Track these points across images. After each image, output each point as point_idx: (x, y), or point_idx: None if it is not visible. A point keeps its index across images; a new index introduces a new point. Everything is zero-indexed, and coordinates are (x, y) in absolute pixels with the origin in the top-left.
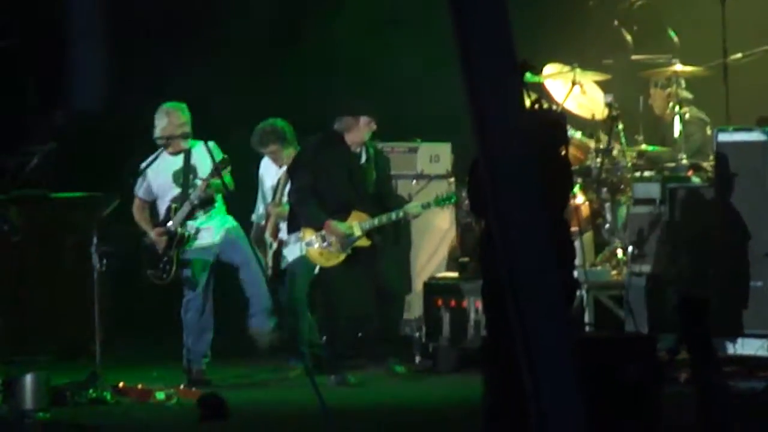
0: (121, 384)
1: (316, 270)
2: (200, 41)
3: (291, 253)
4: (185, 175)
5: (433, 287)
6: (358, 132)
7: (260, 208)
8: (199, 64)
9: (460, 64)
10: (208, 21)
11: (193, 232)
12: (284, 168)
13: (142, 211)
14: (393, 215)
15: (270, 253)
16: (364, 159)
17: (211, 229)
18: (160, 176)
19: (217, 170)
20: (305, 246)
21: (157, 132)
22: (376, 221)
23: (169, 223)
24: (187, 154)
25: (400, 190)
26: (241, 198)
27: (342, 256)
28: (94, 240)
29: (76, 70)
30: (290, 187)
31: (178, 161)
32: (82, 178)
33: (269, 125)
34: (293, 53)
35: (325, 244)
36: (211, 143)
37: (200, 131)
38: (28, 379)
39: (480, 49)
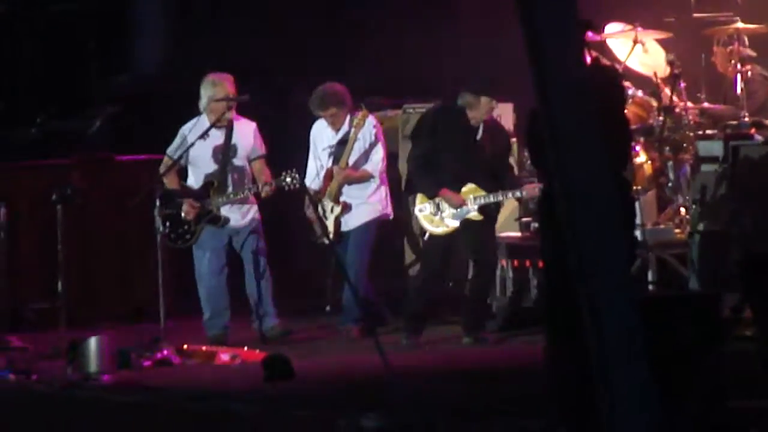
0: (185, 346)
1: (426, 235)
2: (260, 4)
3: (358, 218)
4: (225, 152)
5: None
6: (478, 110)
7: (313, 171)
8: (258, 27)
9: (521, 22)
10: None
11: (225, 214)
12: (343, 131)
13: (173, 173)
14: (509, 194)
15: (331, 217)
16: (480, 134)
17: (240, 213)
18: (199, 146)
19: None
20: (417, 211)
21: (203, 102)
22: (491, 197)
23: (207, 202)
24: (230, 128)
25: None
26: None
27: (453, 226)
28: (157, 203)
29: (136, 33)
30: (409, 153)
31: (220, 135)
32: (145, 141)
33: (330, 88)
34: (368, 14)
35: (437, 212)
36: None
37: (259, 94)
38: (93, 341)
39: (542, 8)
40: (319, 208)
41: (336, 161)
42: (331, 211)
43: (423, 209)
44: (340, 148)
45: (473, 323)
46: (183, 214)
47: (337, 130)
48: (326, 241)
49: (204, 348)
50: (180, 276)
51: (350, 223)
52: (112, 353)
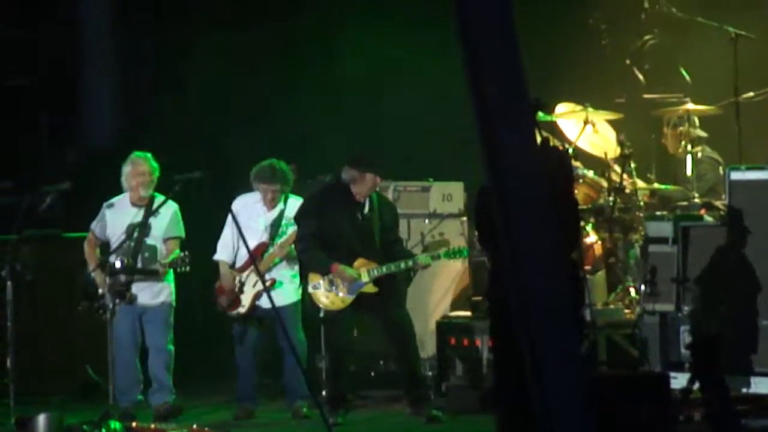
0: (134, 423)
1: (321, 313)
2: (206, 82)
3: (288, 297)
4: (140, 230)
5: (446, 326)
6: (363, 186)
7: (229, 245)
8: (208, 105)
9: (472, 103)
10: (220, 56)
11: (137, 294)
12: (278, 208)
13: (93, 247)
14: (402, 264)
15: (252, 291)
16: (367, 209)
17: (151, 292)
18: (116, 222)
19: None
20: (311, 289)
21: (122, 179)
22: (384, 269)
23: (118, 278)
24: (149, 207)
25: (412, 229)
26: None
27: (348, 300)
28: (107, 280)
29: (87, 108)
30: (297, 234)
31: (137, 214)
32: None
33: (277, 164)
34: (300, 92)
35: (331, 287)
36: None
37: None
38: (42, 418)
39: (493, 89)
40: (236, 281)
41: (272, 238)
42: (254, 285)
43: (317, 286)
44: (275, 225)
45: (416, 398)
46: (98, 289)
47: (272, 207)
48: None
49: (153, 426)
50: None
51: (278, 300)
52: (60, 430)
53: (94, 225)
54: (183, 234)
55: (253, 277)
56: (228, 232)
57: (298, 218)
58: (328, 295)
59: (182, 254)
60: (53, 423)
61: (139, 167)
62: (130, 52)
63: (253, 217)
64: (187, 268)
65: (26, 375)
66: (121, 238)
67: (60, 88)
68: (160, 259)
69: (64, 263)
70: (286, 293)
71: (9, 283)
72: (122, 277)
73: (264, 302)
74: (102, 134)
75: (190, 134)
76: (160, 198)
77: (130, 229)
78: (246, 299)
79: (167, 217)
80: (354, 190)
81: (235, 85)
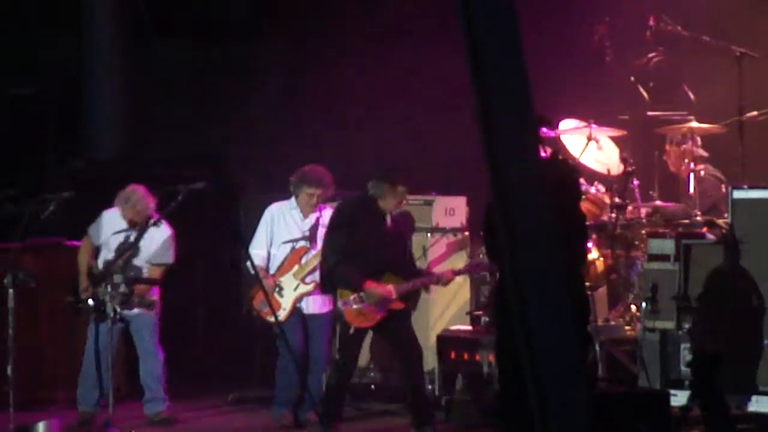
0: (133, 431)
1: (351, 330)
2: (218, 92)
3: (321, 305)
4: (131, 252)
5: (446, 340)
6: (393, 200)
7: (264, 251)
8: (217, 114)
9: (477, 118)
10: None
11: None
12: (315, 215)
13: (86, 252)
14: (426, 279)
15: (293, 295)
16: (389, 223)
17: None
18: (110, 234)
19: None
20: (341, 305)
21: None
22: (410, 285)
23: (99, 290)
24: (142, 228)
25: (414, 244)
26: None
27: (377, 317)
28: (109, 289)
29: (93, 118)
30: (329, 246)
31: (131, 233)
32: None
33: (324, 170)
34: (302, 105)
35: (362, 304)
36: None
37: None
38: (41, 426)
39: (497, 104)
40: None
41: (311, 243)
42: (295, 289)
43: (347, 303)
44: (312, 231)
45: (420, 417)
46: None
47: (308, 214)
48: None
49: None
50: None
51: (312, 308)
52: None
53: (91, 228)
54: (170, 261)
55: (293, 281)
56: (262, 237)
57: (330, 230)
58: (359, 312)
59: (151, 298)
60: (53, 430)
61: (131, 206)
62: (137, 62)
63: (290, 223)
64: (152, 308)
65: (27, 383)
66: (110, 256)
67: (66, 97)
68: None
69: (67, 272)
70: (323, 300)
71: (11, 290)
72: (122, 287)
73: (304, 307)
74: (107, 144)
75: (195, 145)
76: (156, 222)
77: (121, 249)
78: (287, 303)
79: (158, 243)
80: (381, 204)
81: (240, 97)
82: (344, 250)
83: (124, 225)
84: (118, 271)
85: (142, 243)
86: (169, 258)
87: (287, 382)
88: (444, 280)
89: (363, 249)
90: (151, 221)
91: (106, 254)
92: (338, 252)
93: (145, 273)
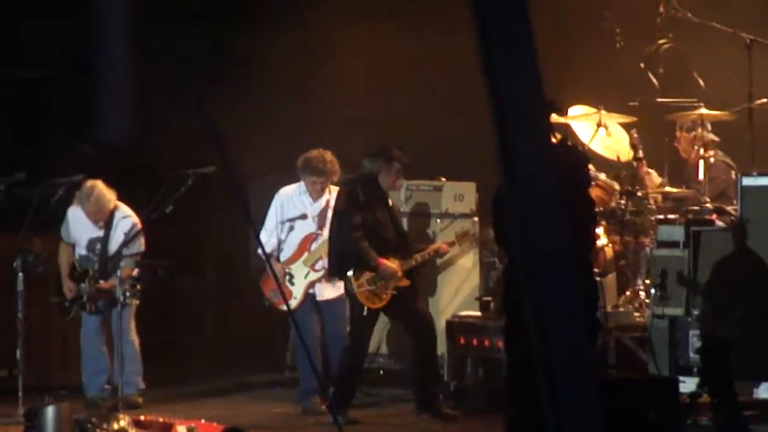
0: (142, 417)
1: (365, 311)
2: (226, 79)
3: (334, 290)
4: (102, 245)
5: (456, 326)
6: (390, 176)
7: (273, 237)
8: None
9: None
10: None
11: (99, 305)
12: (324, 198)
13: (64, 254)
14: (427, 254)
15: (304, 282)
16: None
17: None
18: (83, 231)
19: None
20: (357, 288)
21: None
22: (412, 261)
23: (82, 287)
24: (109, 221)
25: (424, 229)
26: None
27: (388, 297)
28: (119, 273)
29: (102, 102)
30: (346, 226)
31: (101, 226)
32: None
33: (326, 154)
34: (312, 91)
35: (375, 284)
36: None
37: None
38: (50, 410)
39: (508, 90)
40: (285, 273)
41: (319, 228)
42: (305, 276)
43: (362, 285)
44: (322, 215)
45: (426, 398)
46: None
47: (317, 199)
48: (285, 308)
49: (161, 419)
50: (143, 345)
51: (325, 294)
52: (69, 423)
53: (62, 230)
54: (141, 249)
55: (303, 268)
56: (271, 224)
57: (343, 210)
58: (373, 292)
59: (133, 279)
60: (62, 415)
61: (91, 208)
62: (145, 46)
63: (299, 207)
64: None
65: (35, 367)
66: (82, 253)
67: (75, 81)
68: (117, 274)
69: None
70: (335, 285)
71: (20, 275)
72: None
73: (317, 293)
74: (116, 128)
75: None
76: (121, 212)
77: (92, 245)
78: (298, 291)
79: (125, 233)
80: (380, 180)
81: (246, 84)
82: (360, 230)
83: (89, 222)
84: (93, 266)
85: (113, 233)
86: (140, 247)
87: (309, 373)
88: (441, 253)
89: (373, 227)
90: (117, 215)
91: (80, 251)
92: (356, 227)
93: (121, 266)
